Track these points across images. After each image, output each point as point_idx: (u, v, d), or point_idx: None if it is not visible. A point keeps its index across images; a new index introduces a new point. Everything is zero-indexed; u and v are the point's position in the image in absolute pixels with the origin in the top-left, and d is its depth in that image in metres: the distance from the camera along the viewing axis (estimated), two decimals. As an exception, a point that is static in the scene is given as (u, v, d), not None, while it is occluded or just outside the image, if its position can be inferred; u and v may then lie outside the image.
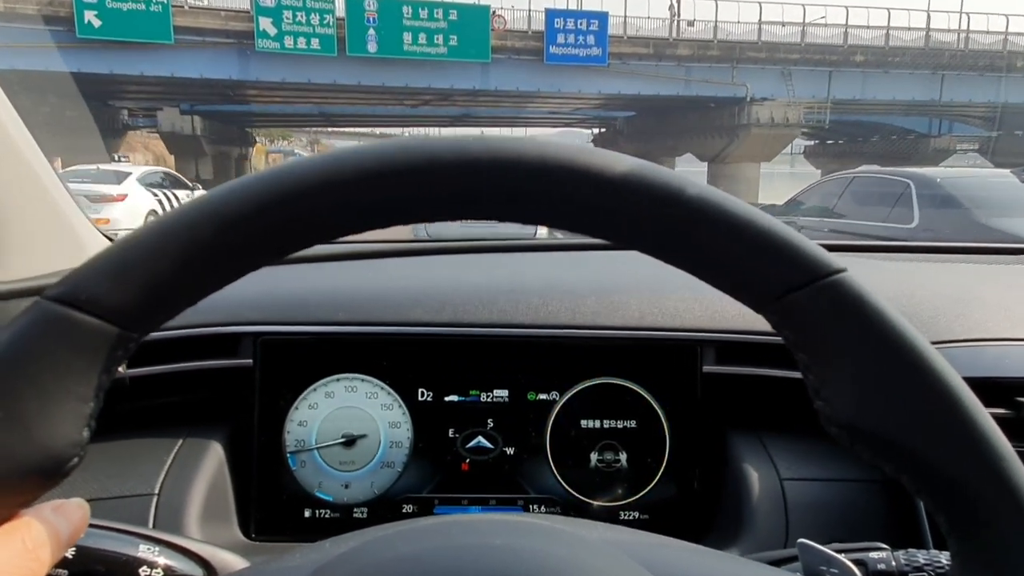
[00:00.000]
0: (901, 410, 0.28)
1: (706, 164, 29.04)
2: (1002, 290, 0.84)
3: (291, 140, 66.52)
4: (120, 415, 0.67)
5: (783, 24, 26.22)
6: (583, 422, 0.71)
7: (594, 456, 0.71)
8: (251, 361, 0.69)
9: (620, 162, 0.29)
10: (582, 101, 30.36)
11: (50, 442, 0.26)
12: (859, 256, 1.04)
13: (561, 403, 0.71)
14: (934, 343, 0.58)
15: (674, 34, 25.83)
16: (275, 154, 52.99)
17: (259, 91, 27.76)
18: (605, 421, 0.71)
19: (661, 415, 0.71)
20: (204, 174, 24.15)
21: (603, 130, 39.29)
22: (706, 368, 0.70)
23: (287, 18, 21.33)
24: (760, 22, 25.89)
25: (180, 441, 0.67)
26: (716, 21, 25.67)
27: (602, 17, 24.59)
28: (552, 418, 0.71)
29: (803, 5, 25.37)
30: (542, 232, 4.45)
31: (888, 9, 26.62)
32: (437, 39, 23.04)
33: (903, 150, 29.67)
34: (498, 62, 23.91)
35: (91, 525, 0.37)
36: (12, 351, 0.26)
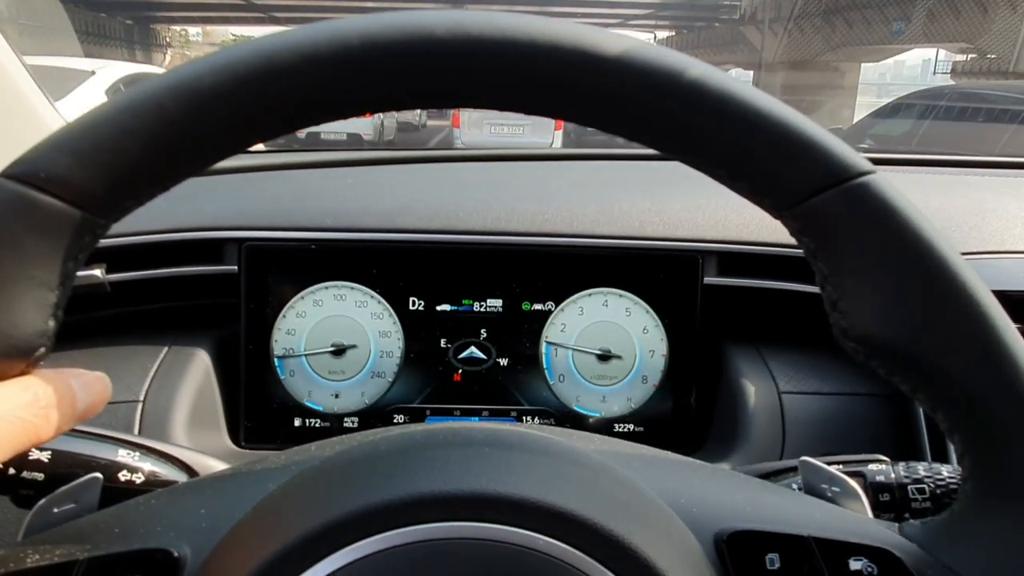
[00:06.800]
0: (924, 322, 0.26)
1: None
2: (1020, 202, 0.80)
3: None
4: (102, 322, 0.67)
5: None
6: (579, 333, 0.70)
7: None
8: (236, 268, 0.67)
9: (613, 41, 0.26)
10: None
11: (12, 330, 0.25)
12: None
13: (557, 313, 0.70)
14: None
15: None
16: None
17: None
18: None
19: (660, 327, 0.70)
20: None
21: (673, 34, 29.95)
22: (707, 279, 0.69)
23: None
24: None
25: (165, 349, 0.67)
26: None
27: None
28: (547, 329, 0.70)
29: None
30: (558, 144, 4.56)
31: None
32: None
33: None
34: None
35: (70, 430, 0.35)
36: None
